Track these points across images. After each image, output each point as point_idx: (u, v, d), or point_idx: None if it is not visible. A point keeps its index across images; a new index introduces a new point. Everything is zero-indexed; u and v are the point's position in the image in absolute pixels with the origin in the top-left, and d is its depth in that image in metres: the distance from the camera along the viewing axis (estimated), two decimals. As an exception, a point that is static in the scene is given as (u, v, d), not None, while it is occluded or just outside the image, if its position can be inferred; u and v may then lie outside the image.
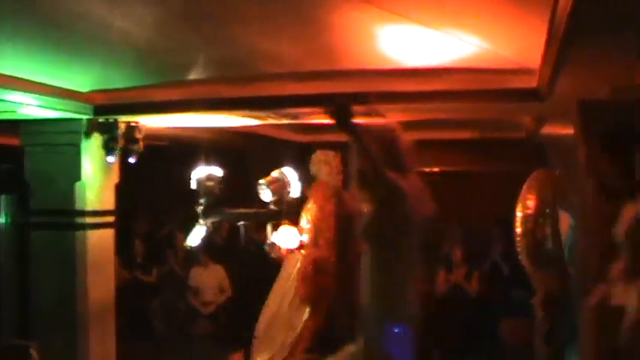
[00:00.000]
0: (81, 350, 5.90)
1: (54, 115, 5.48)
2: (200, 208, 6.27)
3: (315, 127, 7.19)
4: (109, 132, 5.92)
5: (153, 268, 9.55)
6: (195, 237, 6.33)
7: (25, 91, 4.76)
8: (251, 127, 6.79)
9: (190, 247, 6.58)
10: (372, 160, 3.94)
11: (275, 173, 6.30)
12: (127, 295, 8.06)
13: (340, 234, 6.19)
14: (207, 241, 6.68)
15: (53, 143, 5.96)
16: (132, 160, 6.18)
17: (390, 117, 5.66)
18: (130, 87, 5.21)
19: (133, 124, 6.06)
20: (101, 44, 3.98)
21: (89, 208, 6.02)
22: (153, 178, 9.67)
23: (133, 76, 4.95)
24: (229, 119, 6.17)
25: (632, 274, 3.52)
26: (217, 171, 6.35)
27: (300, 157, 7.89)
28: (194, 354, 8.37)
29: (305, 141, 8.89)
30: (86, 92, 5.31)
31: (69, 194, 5.92)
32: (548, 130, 6.68)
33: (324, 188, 6.28)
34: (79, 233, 5.95)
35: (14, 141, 6.36)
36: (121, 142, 6.02)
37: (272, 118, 6.07)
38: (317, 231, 6.12)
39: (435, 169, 10.01)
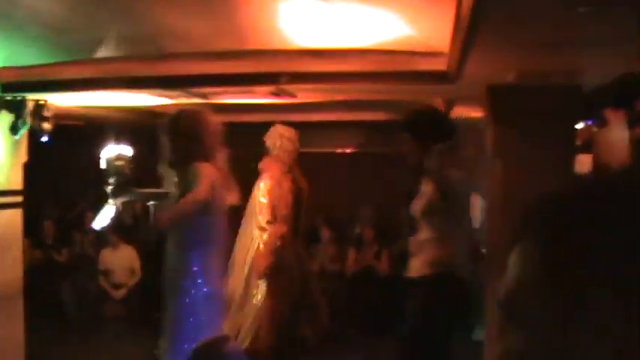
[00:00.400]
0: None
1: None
2: (109, 188, 6.15)
3: (226, 107, 7.14)
4: (16, 110, 5.76)
5: (62, 249, 9.36)
6: (104, 217, 6.20)
7: None
8: (162, 106, 6.69)
9: (98, 228, 6.45)
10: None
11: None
12: (38, 276, 7.89)
13: (295, 209, 6.39)
14: (116, 221, 6.57)
15: (-41, 121, 5.76)
16: (43, 139, 6.02)
17: (302, 97, 5.67)
18: (38, 64, 5.04)
19: (41, 102, 5.90)
20: (7, 20, 3.84)
21: (-4, 187, 5.84)
22: (65, 158, 9.45)
23: (42, 53, 4.79)
24: (140, 98, 6.08)
25: None
26: (127, 150, 6.23)
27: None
28: (105, 336, 8.25)
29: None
30: (-7, 69, 5.14)
31: (-26, 173, 5.73)
32: (459, 112, 6.80)
33: (281, 164, 6.33)
34: (-15, 213, 5.76)
35: None
36: (29, 121, 5.86)
37: (182, 97, 6.01)
38: (273, 207, 6.16)
39: (348, 150, 10.10)
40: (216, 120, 4.43)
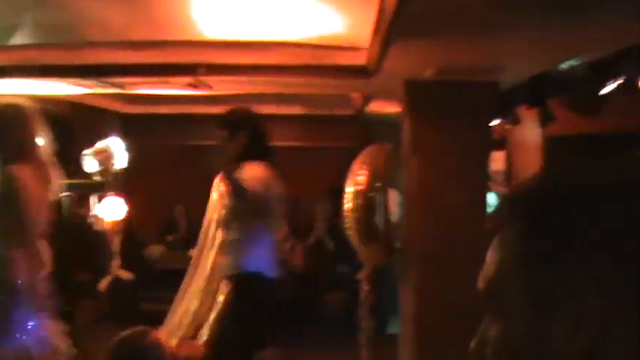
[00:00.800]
0: None
1: None
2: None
3: (142, 98, 7.02)
4: None
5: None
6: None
7: None
8: (77, 95, 6.53)
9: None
10: None
11: (101, 144, 6.12)
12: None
13: None
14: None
15: None
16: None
17: (219, 89, 5.62)
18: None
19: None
20: None
21: None
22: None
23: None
24: (54, 87, 5.90)
25: None
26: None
27: (126, 128, 7.69)
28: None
29: (132, 112, 8.65)
30: None
31: None
32: (376, 107, 6.85)
33: None
34: None
35: None
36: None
37: (98, 86, 5.86)
38: None
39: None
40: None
